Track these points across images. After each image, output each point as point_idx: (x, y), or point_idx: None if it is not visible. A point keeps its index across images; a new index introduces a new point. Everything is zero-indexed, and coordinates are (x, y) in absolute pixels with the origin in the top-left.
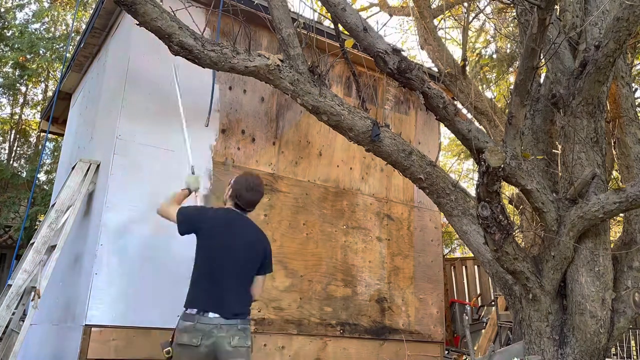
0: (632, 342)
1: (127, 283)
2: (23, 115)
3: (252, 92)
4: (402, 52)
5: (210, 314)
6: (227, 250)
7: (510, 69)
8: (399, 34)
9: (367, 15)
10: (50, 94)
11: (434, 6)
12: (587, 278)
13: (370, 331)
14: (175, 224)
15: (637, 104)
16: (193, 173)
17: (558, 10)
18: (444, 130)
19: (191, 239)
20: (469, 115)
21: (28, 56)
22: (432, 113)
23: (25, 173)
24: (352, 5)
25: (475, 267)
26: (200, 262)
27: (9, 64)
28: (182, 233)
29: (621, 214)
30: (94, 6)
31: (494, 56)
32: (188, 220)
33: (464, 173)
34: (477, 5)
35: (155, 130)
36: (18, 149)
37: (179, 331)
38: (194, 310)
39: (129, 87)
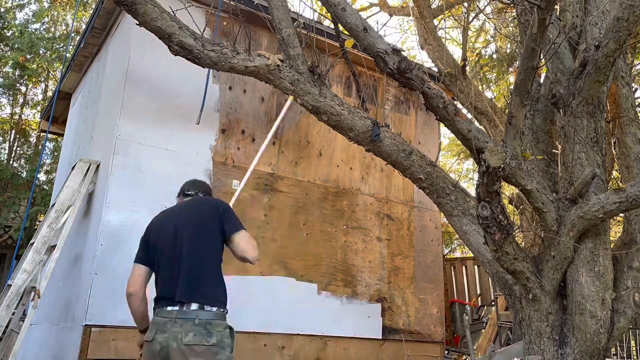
0: (632, 342)
1: (127, 283)
2: (23, 115)
3: (252, 92)
4: (402, 52)
5: (169, 307)
6: (170, 240)
7: (510, 69)
8: (399, 34)
9: (367, 15)
10: (50, 94)
11: (434, 6)
12: (587, 278)
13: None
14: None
15: (637, 104)
16: None
17: (558, 10)
18: (444, 130)
19: None
20: (469, 115)
21: (28, 56)
22: (432, 113)
23: (25, 173)
24: (352, 5)
25: (475, 267)
26: (155, 269)
27: (9, 64)
28: (139, 263)
29: (621, 214)
30: (94, 6)
31: (494, 56)
32: (144, 259)
33: (464, 173)
34: (477, 5)
35: (155, 130)
36: (18, 149)
37: None
38: (157, 307)
39: (129, 87)
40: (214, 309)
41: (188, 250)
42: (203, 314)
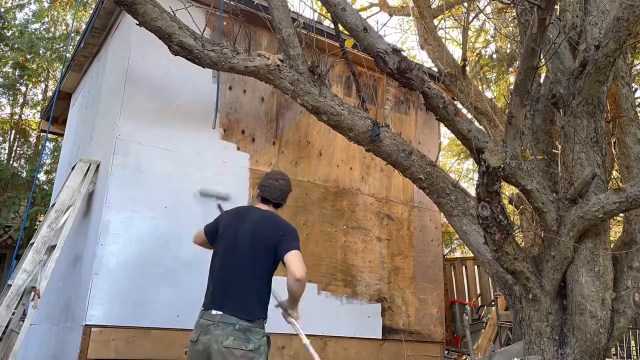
0: (632, 342)
1: (127, 283)
2: (23, 115)
3: (252, 92)
4: (402, 52)
5: (213, 311)
6: (230, 245)
7: (510, 69)
8: (399, 34)
9: (367, 15)
10: (50, 94)
11: (434, 6)
12: (587, 278)
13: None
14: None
15: (637, 104)
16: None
17: (558, 10)
18: (444, 130)
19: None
20: (469, 115)
21: (28, 56)
22: (432, 113)
23: (25, 173)
24: (352, 5)
25: (475, 267)
26: (211, 264)
27: (9, 64)
28: (211, 244)
29: (621, 214)
30: (94, 6)
31: (494, 56)
32: (207, 232)
33: (464, 173)
34: (477, 5)
35: (155, 130)
36: (18, 149)
37: None
38: (202, 308)
39: (129, 87)
40: (254, 319)
41: (244, 263)
42: (244, 321)
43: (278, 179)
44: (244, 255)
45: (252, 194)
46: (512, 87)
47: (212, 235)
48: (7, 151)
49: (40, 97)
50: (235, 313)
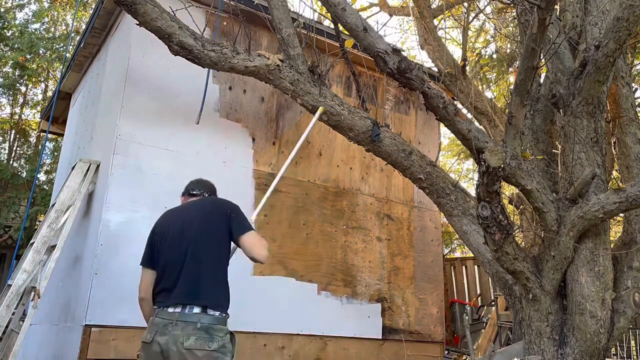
0: (632, 342)
1: (127, 283)
2: (23, 115)
3: (252, 92)
4: (402, 52)
5: (170, 308)
6: (177, 241)
7: (510, 69)
8: (399, 34)
9: (367, 15)
10: (50, 94)
11: (434, 6)
12: (587, 278)
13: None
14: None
15: (637, 104)
16: None
17: (558, 10)
18: (444, 130)
19: None
20: (469, 115)
21: (28, 56)
22: (432, 113)
23: (25, 173)
24: (352, 5)
25: (475, 267)
26: (158, 268)
27: (9, 64)
28: (147, 267)
29: (621, 214)
30: (94, 6)
31: (494, 56)
32: (149, 261)
33: (464, 173)
34: (477, 5)
35: (155, 130)
36: (18, 149)
37: None
38: (155, 306)
39: (129, 87)
40: (217, 313)
41: (193, 251)
42: (205, 318)
43: (199, 178)
44: (194, 243)
45: (250, 192)
46: (512, 87)
47: (153, 259)
48: (7, 151)
49: (40, 97)
50: (194, 309)
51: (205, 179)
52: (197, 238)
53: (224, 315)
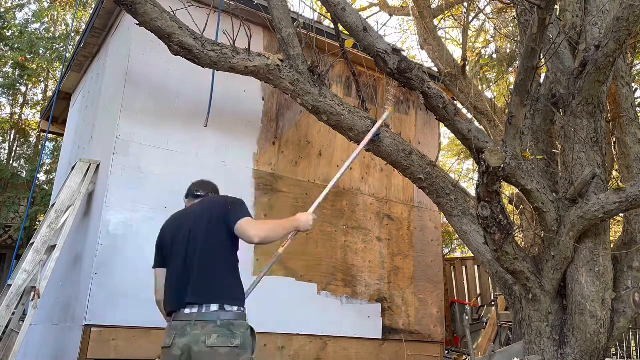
0: (632, 342)
1: (127, 283)
2: (23, 115)
3: (252, 92)
4: (402, 52)
5: (186, 310)
6: (185, 244)
7: (510, 69)
8: (399, 34)
9: (367, 15)
10: (50, 94)
11: (434, 6)
12: (587, 278)
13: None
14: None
15: (637, 104)
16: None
17: (558, 10)
18: (444, 130)
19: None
20: (469, 115)
21: (28, 56)
22: (432, 113)
23: (25, 173)
24: (352, 5)
25: (475, 267)
26: (169, 272)
27: (9, 64)
28: (159, 268)
29: (621, 214)
30: (94, 6)
31: (494, 56)
32: (160, 264)
33: (464, 173)
34: (477, 5)
35: (155, 130)
36: (18, 149)
37: None
38: (169, 310)
39: (129, 87)
40: (235, 308)
41: (202, 251)
42: (224, 314)
43: (201, 179)
44: (203, 243)
45: (250, 192)
46: (512, 87)
47: (164, 260)
48: (7, 151)
49: (40, 97)
50: (212, 307)
51: (207, 179)
52: (205, 237)
53: (242, 309)
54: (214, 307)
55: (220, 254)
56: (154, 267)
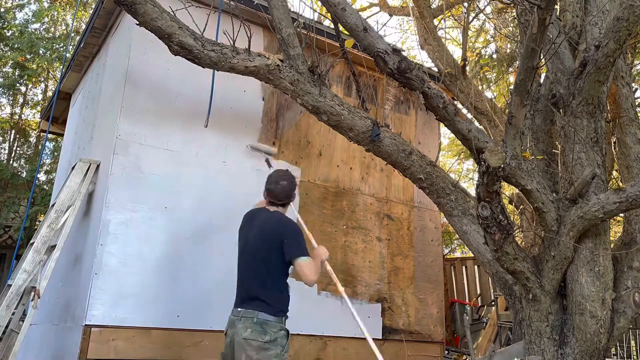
0: (632, 342)
1: (127, 283)
2: (23, 115)
3: (252, 92)
4: (402, 52)
5: (239, 308)
6: (244, 246)
7: (510, 69)
8: (399, 34)
9: (367, 15)
10: (50, 94)
11: (434, 6)
12: (587, 278)
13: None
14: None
15: (637, 104)
16: None
17: (558, 10)
18: (444, 130)
19: (190, 240)
20: (469, 115)
21: (28, 56)
22: (432, 113)
23: (25, 173)
24: (352, 5)
25: (475, 267)
26: (237, 267)
27: (9, 64)
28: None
29: (621, 214)
30: (94, 6)
31: (494, 56)
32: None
33: (464, 173)
34: (477, 5)
35: (155, 130)
36: (18, 149)
37: None
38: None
39: (129, 87)
40: (273, 314)
41: (257, 261)
42: (262, 315)
43: (279, 182)
44: (255, 256)
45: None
46: (512, 87)
47: (239, 251)
48: (7, 151)
49: (40, 97)
50: (254, 308)
51: (283, 179)
52: (260, 251)
53: (281, 317)
54: (258, 309)
55: (271, 267)
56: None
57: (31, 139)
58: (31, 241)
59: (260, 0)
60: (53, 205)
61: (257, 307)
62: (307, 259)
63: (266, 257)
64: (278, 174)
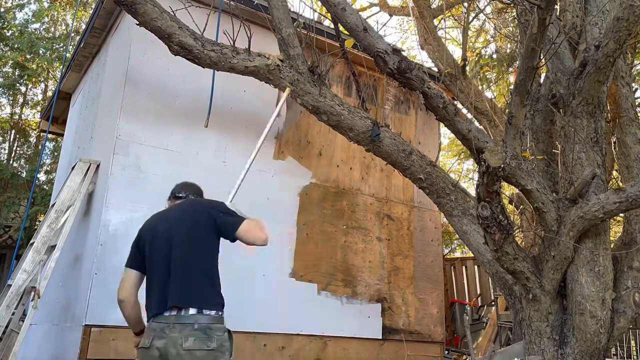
0: (632, 342)
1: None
2: (23, 115)
3: (252, 92)
4: (402, 52)
5: (165, 313)
6: (162, 243)
7: (510, 69)
8: (399, 34)
9: (367, 15)
10: (50, 94)
11: (434, 6)
12: (587, 278)
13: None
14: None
15: (637, 104)
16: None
17: (558, 10)
18: (444, 130)
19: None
20: (469, 115)
21: (28, 56)
22: (432, 113)
23: (25, 173)
24: (352, 5)
25: (475, 267)
26: (148, 274)
27: (9, 64)
28: (129, 267)
29: (621, 214)
30: (94, 6)
31: (494, 56)
32: (134, 263)
33: (464, 173)
34: (477, 5)
35: (155, 130)
36: (18, 149)
37: None
38: (150, 314)
39: (129, 87)
40: (212, 312)
41: (182, 254)
42: (202, 318)
43: (185, 181)
44: (182, 245)
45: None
46: (512, 87)
47: (137, 261)
48: (7, 151)
49: (40, 97)
50: (190, 311)
51: (191, 182)
52: (185, 240)
53: (220, 314)
54: (192, 310)
55: (202, 257)
56: (126, 266)
57: (31, 139)
58: (31, 241)
59: (260, 0)
60: (53, 205)
61: (197, 308)
62: (247, 220)
63: (204, 246)
64: (186, 185)
